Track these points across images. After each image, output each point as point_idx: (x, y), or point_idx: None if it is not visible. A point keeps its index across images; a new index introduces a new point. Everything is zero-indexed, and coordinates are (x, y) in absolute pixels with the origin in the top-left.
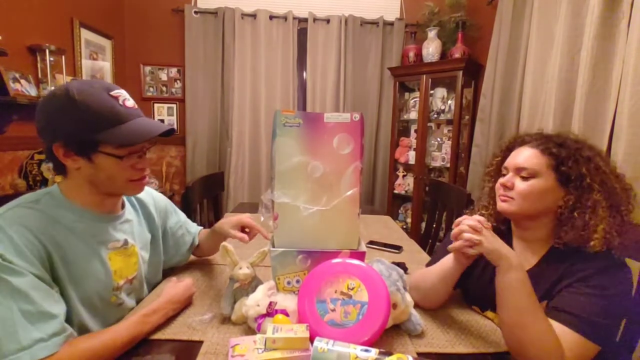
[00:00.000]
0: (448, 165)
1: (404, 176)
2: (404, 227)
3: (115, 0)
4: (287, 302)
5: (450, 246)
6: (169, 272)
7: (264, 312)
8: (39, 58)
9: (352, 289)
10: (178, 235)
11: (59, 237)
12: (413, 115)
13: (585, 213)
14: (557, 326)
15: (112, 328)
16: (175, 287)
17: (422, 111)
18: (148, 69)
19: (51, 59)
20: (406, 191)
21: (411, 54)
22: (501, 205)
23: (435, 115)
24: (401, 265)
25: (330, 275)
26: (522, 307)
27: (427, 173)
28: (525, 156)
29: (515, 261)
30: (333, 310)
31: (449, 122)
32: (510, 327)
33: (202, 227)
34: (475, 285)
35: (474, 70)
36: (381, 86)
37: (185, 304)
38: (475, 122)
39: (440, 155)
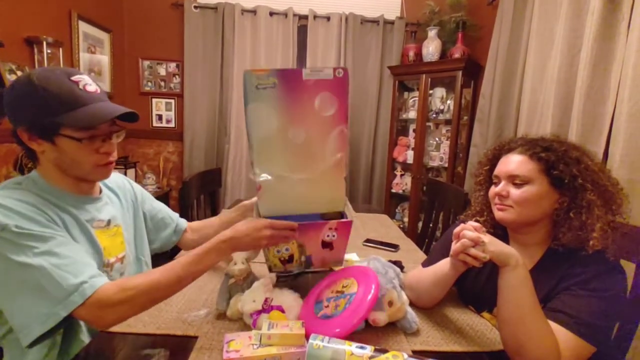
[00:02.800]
0: (446, 165)
1: (401, 175)
2: (401, 226)
3: None
4: (283, 297)
5: (452, 250)
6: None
7: (260, 308)
8: (36, 50)
9: (346, 286)
10: (157, 219)
11: (52, 212)
12: (412, 114)
13: (581, 213)
14: (554, 326)
15: (166, 266)
16: (242, 226)
17: (421, 111)
18: (147, 63)
19: (48, 51)
20: (404, 190)
21: (411, 53)
22: (499, 215)
23: (434, 115)
24: (398, 263)
25: (331, 282)
26: (525, 304)
27: (425, 172)
28: (515, 163)
29: (521, 260)
30: (327, 306)
31: (447, 122)
32: (510, 325)
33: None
34: (471, 286)
35: (473, 70)
36: (380, 85)
37: (248, 247)
38: (473, 122)
39: (439, 155)
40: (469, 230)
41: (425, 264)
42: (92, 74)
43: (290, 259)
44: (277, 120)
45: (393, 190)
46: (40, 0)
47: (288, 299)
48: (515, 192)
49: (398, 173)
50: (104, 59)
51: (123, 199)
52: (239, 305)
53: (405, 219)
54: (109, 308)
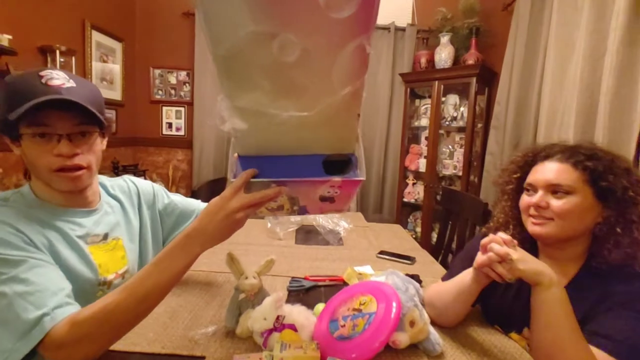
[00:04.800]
0: (459, 173)
1: (413, 184)
2: (413, 236)
3: (127, 3)
4: (295, 315)
5: (477, 262)
6: None
7: (271, 326)
8: (49, 59)
9: (364, 304)
10: (176, 214)
11: (37, 232)
12: (424, 122)
13: (632, 229)
14: (595, 352)
15: (126, 284)
16: (209, 217)
17: (434, 118)
18: (157, 72)
19: (61, 59)
20: (416, 199)
21: (423, 60)
22: (536, 230)
23: (447, 123)
24: (415, 277)
25: (347, 297)
26: (562, 327)
27: (438, 181)
28: (555, 171)
29: (555, 277)
30: (343, 326)
31: (460, 129)
32: (545, 350)
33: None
34: (498, 303)
35: (487, 77)
36: (392, 92)
37: (224, 238)
38: (487, 130)
39: (452, 163)
40: (497, 243)
41: (446, 278)
42: (103, 82)
43: (280, 208)
44: (251, 20)
45: (405, 200)
46: (54, 10)
47: (300, 316)
48: (556, 203)
49: (410, 182)
50: (115, 67)
51: (128, 204)
52: (248, 323)
53: (418, 229)
54: (68, 347)
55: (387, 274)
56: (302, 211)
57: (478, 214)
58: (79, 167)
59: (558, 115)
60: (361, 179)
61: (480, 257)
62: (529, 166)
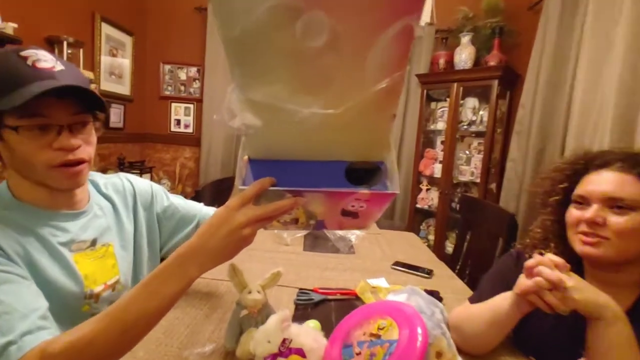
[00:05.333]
0: (477, 180)
1: (427, 190)
2: (426, 244)
3: None
4: (303, 336)
5: (520, 288)
6: None
7: (276, 350)
8: (56, 50)
9: (383, 328)
10: (176, 218)
11: (12, 239)
12: (440, 125)
13: None
14: None
15: (108, 310)
16: (209, 236)
17: (451, 122)
18: (168, 67)
19: (69, 51)
20: (429, 206)
21: (441, 61)
22: (585, 249)
23: (465, 127)
24: (435, 294)
25: (362, 319)
26: None
27: (453, 187)
28: (616, 183)
29: (620, 310)
30: (358, 354)
31: (478, 134)
32: None
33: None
34: (534, 331)
35: (510, 79)
36: (407, 94)
37: (226, 259)
38: (508, 135)
39: (469, 169)
40: (547, 266)
41: (474, 300)
42: (112, 76)
43: (294, 221)
44: None
45: (418, 206)
46: (64, 1)
47: (309, 338)
48: (616, 220)
49: (424, 187)
50: (125, 62)
51: (121, 206)
52: (250, 346)
53: (431, 237)
54: None
55: (409, 293)
56: (319, 226)
57: (503, 226)
58: (82, 161)
59: (591, 120)
60: (394, 192)
61: (524, 282)
62: (579, 175)
